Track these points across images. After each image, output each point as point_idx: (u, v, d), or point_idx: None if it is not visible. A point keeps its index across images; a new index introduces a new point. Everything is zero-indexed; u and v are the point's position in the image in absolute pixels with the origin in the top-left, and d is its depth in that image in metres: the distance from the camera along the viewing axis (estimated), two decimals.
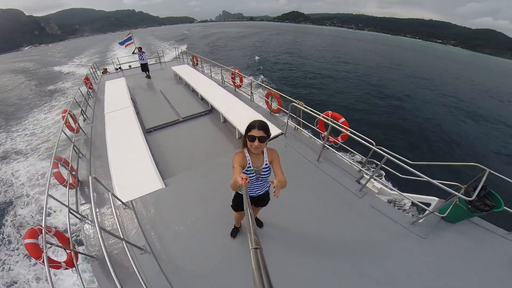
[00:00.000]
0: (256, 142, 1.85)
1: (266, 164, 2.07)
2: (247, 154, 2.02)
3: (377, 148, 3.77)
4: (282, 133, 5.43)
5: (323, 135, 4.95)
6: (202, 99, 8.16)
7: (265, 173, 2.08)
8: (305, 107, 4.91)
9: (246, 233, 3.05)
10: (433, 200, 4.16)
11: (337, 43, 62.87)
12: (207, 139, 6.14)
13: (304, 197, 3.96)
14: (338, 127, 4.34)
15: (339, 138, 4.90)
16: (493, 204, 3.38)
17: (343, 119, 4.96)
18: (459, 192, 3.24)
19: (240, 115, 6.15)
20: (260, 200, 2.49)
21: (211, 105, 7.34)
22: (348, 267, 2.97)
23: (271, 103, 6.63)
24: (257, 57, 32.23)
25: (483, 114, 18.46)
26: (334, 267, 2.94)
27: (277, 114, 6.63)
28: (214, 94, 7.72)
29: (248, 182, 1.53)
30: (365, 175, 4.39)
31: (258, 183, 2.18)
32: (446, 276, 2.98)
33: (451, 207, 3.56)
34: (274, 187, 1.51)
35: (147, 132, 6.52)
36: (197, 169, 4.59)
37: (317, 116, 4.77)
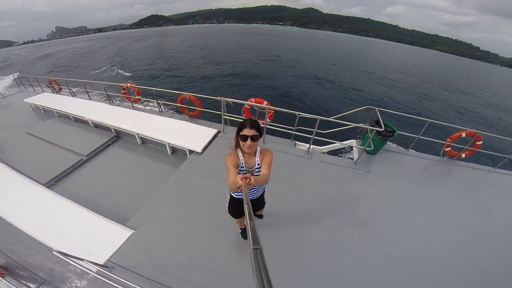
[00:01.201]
0: (249, 141, 1.84)
1: (259, 164, 2.03)
2: (240, 154, 2.00)
3: (300, 114, 4.54)
4: (219, 131, 5.23)
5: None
6: (97, 126, 6.37)
7: (258, 173, 2.03)
8: (231, 101, 4.88)
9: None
10: (352, 142, 5.31)
11: (201, 40, 62.87)
12: (135, 166, 5.10)
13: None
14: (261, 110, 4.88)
15: (266, 119, 5.17)
16: (393, 130, 4.61)
17: (265, 102, 5.21)
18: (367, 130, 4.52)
19: (162, 129, 5.27)
20: (256, 204, 2.48)
21: (116, 129, 5.92)
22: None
23: (188, 108, 6.09)
24: (119, 70, 28.57)
25: (325, 77, 25.91)
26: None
27: (197, 117, 6.19)
28: (114, 116, 6.24)
29: (249, 183, 1.47)
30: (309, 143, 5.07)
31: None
32: (394, 193, 4.17)
33: (368, 141, 4.59)
34: (248, 182, 1.48)
35: (49, 185, 4.72)
36: (153, 198, 3.83)
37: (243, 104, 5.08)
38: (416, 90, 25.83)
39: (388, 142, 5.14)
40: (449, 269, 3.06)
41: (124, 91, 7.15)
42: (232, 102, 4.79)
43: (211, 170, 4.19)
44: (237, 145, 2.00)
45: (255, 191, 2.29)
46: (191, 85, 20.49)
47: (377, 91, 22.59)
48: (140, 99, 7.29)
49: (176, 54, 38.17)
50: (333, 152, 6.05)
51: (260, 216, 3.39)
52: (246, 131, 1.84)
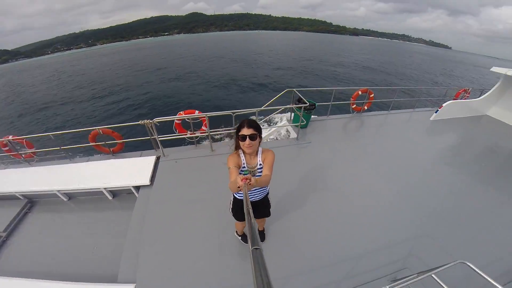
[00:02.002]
0: (247, 141, 1.81)
1: (260, 164, 2.00)
2: (241, 155, 1.98)
3: (236, 112, 4.56)
4: (158, 157, 4.58)
5: (189, 133, 4.88)
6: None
7: (260, 173, 2.00)
8: (158, 120, 4.26)
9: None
10: (285, 123, 5.75)
11: (73, 68, 47.10)
12: (77, 224, 4.07)
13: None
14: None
15: (203, 128, 4.97)
16: (314, 104, 5.23)
17: (197, 111, 4.90)
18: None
19: (86, 176, 4.26)
20: (259, 206, 2.37)
21: (24, 195, 4.50)
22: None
23: (106, 144, 5.02)
24: None
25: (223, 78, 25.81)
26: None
27: (120, 152, 5.21)
28: (10, 181, 4.53)
29: (249, 183, 1.46)
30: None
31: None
32: (337, 153, 4.98)
33: (300, 118, 5.10)
34: (249, 183, 1.47)
35: None
36: (128, 245, 3.22)
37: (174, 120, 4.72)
38: (300, 68, 29.62)
39: (312, 115, 5.89)
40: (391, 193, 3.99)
41: (7, 148, 5.20)
42: (158, 122, 4.19)
43: (171, 199, 3.73)
44: (237, 146, 1.98)
45: (257, 192, 2.23)
46: (90, 120, 16.96)
47: (274, 76, 24.65)
48: (36, 153, 5.35)
49: (56, 89, 28.91)
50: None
51: (261, 234, 3.14)
52: (244, 131, 1.82)
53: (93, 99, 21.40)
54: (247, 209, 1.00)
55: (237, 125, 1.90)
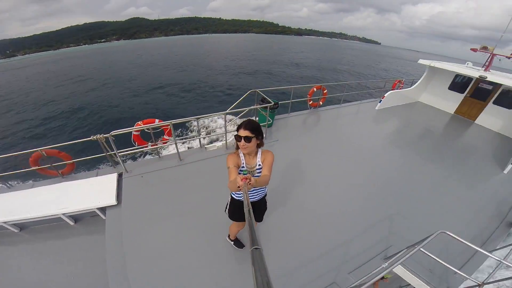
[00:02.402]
0: (242, 142, 1.85)
1: (260, 165, 2.02)
2: (241, 155, 2.01)
3: (199, 117, 4.45)
4: (121, 173, 4.11)
5: (151, 145, 4.51)
6: None
7: (259, 174, 2.01)
8: (114, 134, 3.71)
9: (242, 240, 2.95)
10: None
11: None
12: (36, 257, 3.50)
13: None
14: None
15: (165, 137, 4.81)
16: (277, 102, 5.36)
17: (157, 120, 4.65)
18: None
19: (37, 202, 3.64)
20: (256, 207, 2.33)
21: None
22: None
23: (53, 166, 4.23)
24: None
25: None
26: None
27: (71, 173, 4.53)
28: None
29: (249, 183, 1.47)
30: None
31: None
32: (300, 148, 5.24)
33: (267, 118, 5.26)
34: (248, 183, 1.48)
35: None
36: (112, 273, 2.90)
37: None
38: (254, 69, 29.60)
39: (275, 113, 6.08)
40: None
41: None
42: (113, 136, 3.73)
43: (146, 216, 3.40)
44: (237, 146, 1.99)
45: (256, 193, 2.22)
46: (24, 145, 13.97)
47: (231, 80, 23.95)
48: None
49: None
50: None
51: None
52: (241, 132, 1.85)
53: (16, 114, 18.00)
54: (248, 209, 0.99)
55: (238, 125, 1.93)
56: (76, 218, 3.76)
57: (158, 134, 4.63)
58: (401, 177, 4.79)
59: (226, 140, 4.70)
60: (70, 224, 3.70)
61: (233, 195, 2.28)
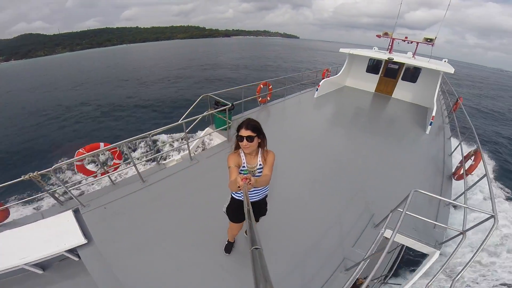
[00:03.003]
0: (244, 142, 1.85)
1: (260, 165, 2.01)
2: (242, 154, 1.99)
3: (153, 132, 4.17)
4: (76, 209, 3.51)
5: (101, 173, 4.01)
6: None
7: (260, 173, 2.00)
8: (54, 169, 3.09)
9: (239, 248, 2.92)
10: (209, 130, 5.64)
11: None
12: None
13: None
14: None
15: (116, 161, 4.30)
16: (232, 104, 5.32)
17: (102, 143, 4.02)
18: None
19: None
20: (258, 208, 2.35)
21: None
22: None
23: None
24: None
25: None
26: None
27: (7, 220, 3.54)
28: None
29: (249, 183, 1.47)
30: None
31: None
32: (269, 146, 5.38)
33: (227, 121, 5.18)
34: (249, 183, 1.49)
35: None
36: None
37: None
38: (186, 76, 26.91)
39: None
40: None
41: None
42: (54, 172, 3.10)
43: (128, 248, 2.98)
44: (238, 146, 1.97)
45: (256, 193, 2.20)
46: None
47: (159, 94, 20.56)
48: None
49: None
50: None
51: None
52: (242, 132, 1.85)
53: None
54: (248, 208, 0.99)
55: (238, 124, 1.91)
56: (43, 265, 3.07)
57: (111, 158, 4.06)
58: (352, 152, 5.47)
59: (189, 149, 4.46)
60: (38, 273, 3.02)
61: (233, 195, 2.26)
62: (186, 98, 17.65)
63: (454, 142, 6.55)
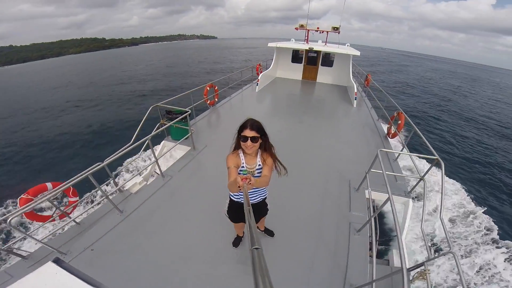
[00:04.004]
0: (249, 142, 1.82)
1: (260, 165, 1.98)
2: (241, 155, 1.96)
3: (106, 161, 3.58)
4: (56, 258, 2.80)
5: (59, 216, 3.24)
6: None
7: (259, 174, 1.97)
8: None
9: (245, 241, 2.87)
10: (164, 142, 5.22)
11: None
12: None
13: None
14: None
15: (71, 199, 3.50)
16: (185, 111, 4.99)
17: (50, 183, 3.38)
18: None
19: None
20: (257, 210, 2.33)
21: None
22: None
23: None
24: None
25: None
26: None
27: None
28: None
29: (249, 183, 1.47)
30: None
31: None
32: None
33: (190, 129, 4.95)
34: (249, 182, 1.47)
35: None
36: None
37: None
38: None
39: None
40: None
41: None
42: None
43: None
44: (237, 146, 1.95)
45: (256, 194, 2.20)
46: None
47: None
48: None
49: None
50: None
51: (270, 233, 3.02)
52: (247, 132, 1.81)
53: None
54: (248, 208, 0.99)
55: (240, 125, 1.88)
56: None
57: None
58: (301, 135, 6.04)
59: (159, 167, 3.99)
60: None
61: (231, 197, 2.24)
62: (117, 119, 14.57)
63: (376, 110, 8.07)
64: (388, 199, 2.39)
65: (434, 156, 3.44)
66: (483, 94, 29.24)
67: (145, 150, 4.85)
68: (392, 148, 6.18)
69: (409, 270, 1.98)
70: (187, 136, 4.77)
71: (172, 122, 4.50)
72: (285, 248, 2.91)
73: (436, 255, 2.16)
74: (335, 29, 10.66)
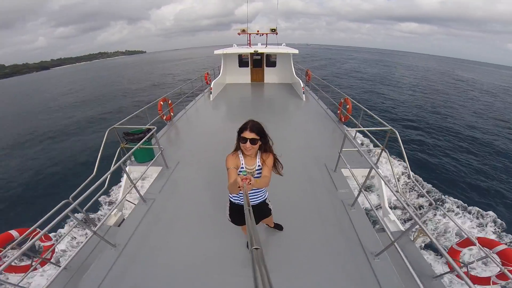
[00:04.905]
0: (248, 144, 1.82)
1: (259, 166, 1.98)
2: (240, 156, 1.96)
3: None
4: None
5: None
6: None
7: (258, 175, 1.98)
8: None
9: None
10: (129, 167, 4.73)
11: None
12: None
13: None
14: None
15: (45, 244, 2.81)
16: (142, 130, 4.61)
17: (14, 232, 2.58)
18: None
19: None
20: (258, 211, 2.29)
21: None
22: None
23: None
24: None
25: None
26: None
27: None
28: None
29: (249, 183, 1.47)
30: None
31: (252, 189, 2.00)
32: None
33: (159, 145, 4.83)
34: (249, 183, 1.47)
35: None
36: None
37: None
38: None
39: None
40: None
41: None
42: None
43: None
44: (238, 147, 1.96)
45: (256, 195, 2.18)
46: None
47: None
48: None
49: None
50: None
51: (279, 227, 3.07)
52: (246, 134, 1.81)
53: None
54: (248, 209, 1.00)
55: (241, 126, 1.87)
56: None
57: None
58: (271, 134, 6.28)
59: (138, 192, 3.60)
60: None
61: (231, 199, 2.22)
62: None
63: (324, 100, 8.95)
64: (372, 168, 2.74)
65: (388, 126, 4.08)
66: (392, 74, 35.86)
67: (111, 178, 4.25)
68: (349, 126, 6.99)
69: (407, 230, 2.32)
70: (158, 154, 4.42)
71: (140, 142, 4.03)
72: (297, 237, 2.98)
73: (423, 211, 2.58)
74: (273, 30, 11.39)
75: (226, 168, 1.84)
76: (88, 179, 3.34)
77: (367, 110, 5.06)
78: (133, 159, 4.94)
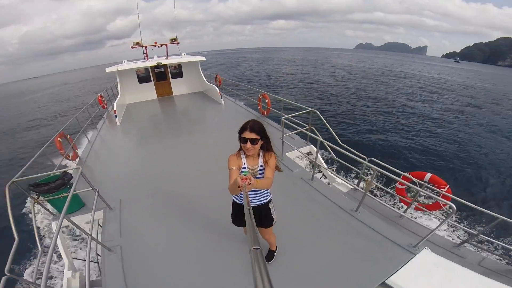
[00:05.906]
0: (248, 144, 1.82)
1: (261, 166, 1.97)
2: (243, 156, 1.98)
3: None
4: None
5: None
6: None
7: (261, 175, 1.98)
8: None
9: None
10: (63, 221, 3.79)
11: None
12: None
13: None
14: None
15: None
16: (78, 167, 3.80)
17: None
18: None
19: None
20: (258, 213, 2.22)
21: None
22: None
23: None
24: None
25: None
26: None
27: None
28: None
29: (249, 183, 1.45)
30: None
31: (253, 189, 2.00)
32: None
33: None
34: (249, 183, 1.46)
35: None
36: None
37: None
38: None
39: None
40: None
41: None
42: None
43: None
44: (240, 147, 1.96)
45: (257, 196, 2.15)
46: None
47: None
48: None
49: None
50: None
51: (270, 257, 2.73)
52: (246, 134, 1.81)
53: None
54: (248, 209, 0.99)
55: (241, 126, 1.86)
56: None
57: None
58: (192, 145, 6.08)
59: (102, 244, 2.85)
60: None
61: (234, 199, 2.22)
62: None
63: (241, 100, 9.45)
64: (320, 143, 3.35)
65: (308, 109, 4.91)
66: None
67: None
68: (271, 119, 7.55)
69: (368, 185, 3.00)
70: (96, 197, 3.52)
71: (73, 190, 3.06)
72: (296, 232, 3.11)
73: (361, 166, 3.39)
74: (173, 40, 10.92)
75: (228, 169, 1.83)
76: (14, 246, 2.35)
77: (285, 99, 5.89)
78: (55, 211, 3.82)
